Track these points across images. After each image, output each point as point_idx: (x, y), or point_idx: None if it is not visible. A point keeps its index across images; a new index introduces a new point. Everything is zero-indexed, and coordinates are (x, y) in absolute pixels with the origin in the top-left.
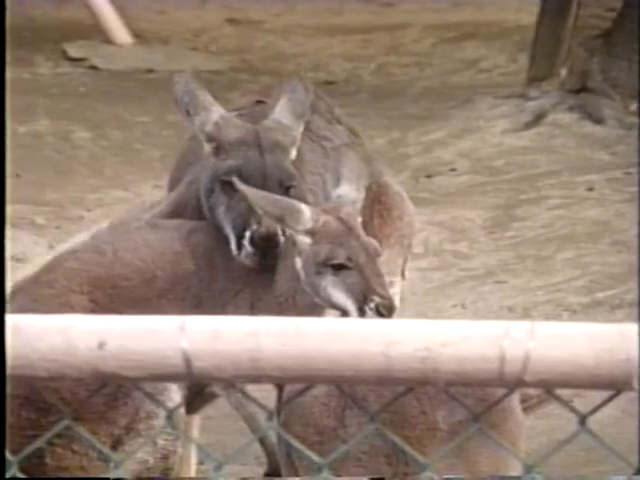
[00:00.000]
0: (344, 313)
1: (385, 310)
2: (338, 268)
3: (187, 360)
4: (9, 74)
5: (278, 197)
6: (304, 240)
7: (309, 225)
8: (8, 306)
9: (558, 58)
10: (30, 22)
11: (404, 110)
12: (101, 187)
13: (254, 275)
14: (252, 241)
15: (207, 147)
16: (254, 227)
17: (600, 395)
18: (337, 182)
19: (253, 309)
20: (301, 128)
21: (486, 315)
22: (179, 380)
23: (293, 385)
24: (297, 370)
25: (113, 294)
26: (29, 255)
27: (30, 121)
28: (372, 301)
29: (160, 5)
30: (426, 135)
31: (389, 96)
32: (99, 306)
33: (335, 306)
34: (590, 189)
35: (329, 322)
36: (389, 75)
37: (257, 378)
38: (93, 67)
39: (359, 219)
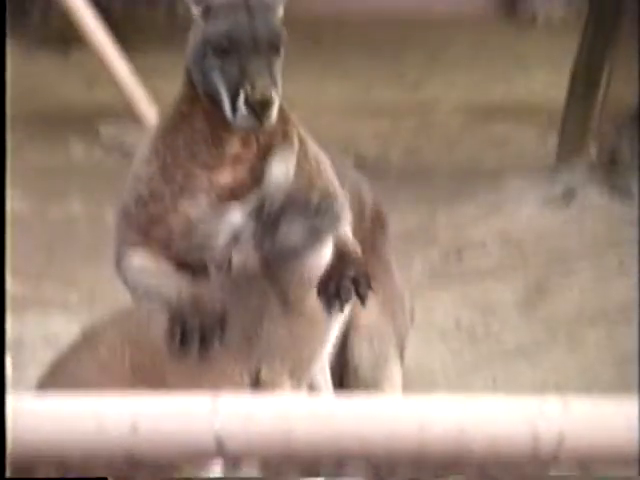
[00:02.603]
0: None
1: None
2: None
3: (220, 442)
4: (42, 157)
5: None
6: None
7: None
8: (48, 387)
9: (587, 136)
10: (62, 106)
11: (434, 189)
12: None
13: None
14: (247, 104)
15: (195, 10)
16: (248, 90)
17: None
18: None
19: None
20: None
21: (518, 392)
22: (212, 460)
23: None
24: (330, 451)
25: (153, 356)
26: (61, 336)
27: (63, 203)
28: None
29: None
30: (456, 214)
31: (419, 175)
32: (140, 372)
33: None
34: (621, 266)
35: (361, 402)
36: (418, 155)
37: (290, 459)
38: (125, 149)
39: None
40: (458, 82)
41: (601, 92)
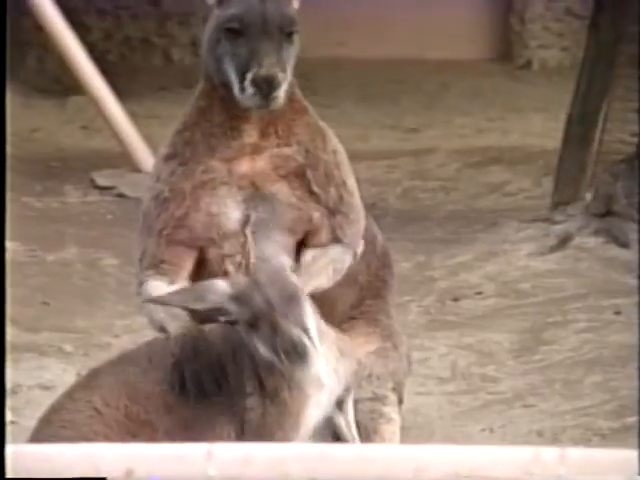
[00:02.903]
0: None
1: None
2: (252, 323)
3: None
4: (39, 204)
5: (195, 285)
6: (231, 309)
7: (228, 293)
8: (43, 431)
9: (582, 182)
10: (59, 152)
11: (430, 234)
12: (129, 314)
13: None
14: (253, 82)
15: (210, 0)
16: (254, 69)
17: None
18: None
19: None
20: None
21: (515, 439)
22: None
23: None
24: None
25: (147, 404)
26: (57, 383)
27: (59, 249)
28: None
29: None
30: (452, 259)
31: (415, 220)
32: (133, 421)
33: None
34: (617, 313)
35: (357, 448)
36: (415, 199)
37: None
38: (121, 195)
39: None
40: (454, 127)
41: (597, 138)
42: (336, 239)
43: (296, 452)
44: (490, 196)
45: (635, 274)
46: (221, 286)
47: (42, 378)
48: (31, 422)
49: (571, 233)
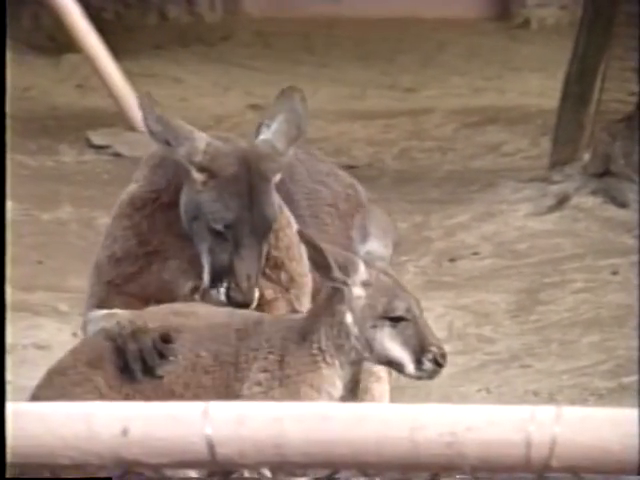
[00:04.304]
0: (398, 367)
1: (442, 360)
2: (396, 320)
3: (211, 446)
4: (34, 163)
5: (338, 250)
6: (359, 293)
7: (364, 277)
8: (44, 391)
9: (580, 142)
10: (54, 111)
11: (427, 194)
12: None
13: (284, 340)
14: (227, 294)
15: (197, 176)
16: (233, 286)
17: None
18: (364, 239)
19: (282, 369)
20: (292, 151)
21: (511, 399)
22: (203, 466)
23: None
24: (321, 456)
25: (151, 394)
26: (52, 343)
27: (54, 208)
28: (430, 352)
29: (182, 92)
30: (449, 219)
31: (411, 180)
32: (113, 392)
33: (390, 360)
34: (614, 273)
35: (353, 407)
36: (411, 159)
37: (281, 464)
38: (116, 154)
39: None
40: (451, 87)
41: (594, 99)
42: (294, 312)
43: (292, 411)
44: (487, 156)
45: (632, 234)
46: (360, 267)
47: (37, 337)
48: (26, 381)
49: (569, 193)
